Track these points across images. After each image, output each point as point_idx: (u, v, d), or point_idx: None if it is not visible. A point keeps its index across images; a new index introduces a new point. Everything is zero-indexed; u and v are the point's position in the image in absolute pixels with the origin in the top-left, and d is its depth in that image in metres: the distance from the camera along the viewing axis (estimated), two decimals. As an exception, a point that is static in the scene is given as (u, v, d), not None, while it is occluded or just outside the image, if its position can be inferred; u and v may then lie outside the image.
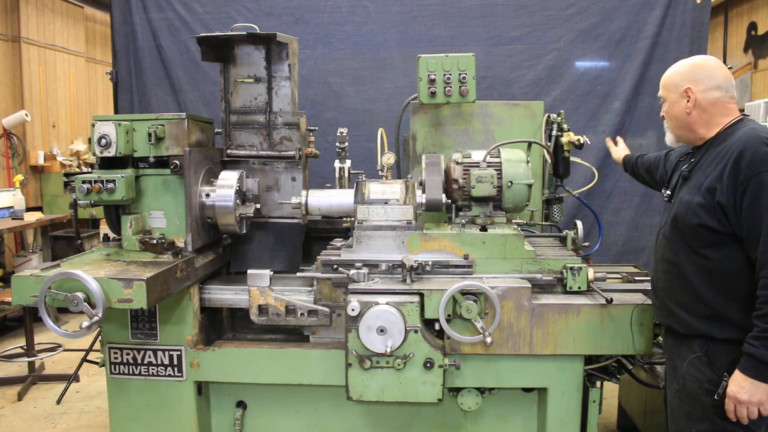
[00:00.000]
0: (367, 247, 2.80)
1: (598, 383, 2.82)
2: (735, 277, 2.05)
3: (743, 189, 1.97)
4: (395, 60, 4.52)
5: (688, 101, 2.19)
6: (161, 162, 2.89)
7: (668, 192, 2.35)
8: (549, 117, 3.38)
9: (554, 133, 3.35)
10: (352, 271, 2.68)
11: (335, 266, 2.78)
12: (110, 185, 2.76)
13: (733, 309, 2.05)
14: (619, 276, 3.10)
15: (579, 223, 3.06)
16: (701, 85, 2.17)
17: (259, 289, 2.87)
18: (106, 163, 2.86)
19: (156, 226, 2.94)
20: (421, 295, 2.58)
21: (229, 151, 3.29)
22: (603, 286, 2.81)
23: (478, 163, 2.95)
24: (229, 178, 3.02)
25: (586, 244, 3.12)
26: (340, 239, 3.18)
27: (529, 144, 3.26)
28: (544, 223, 3.49)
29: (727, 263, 2.05)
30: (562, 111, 3.42)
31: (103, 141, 2.76)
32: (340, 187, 3.31)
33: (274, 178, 3.35)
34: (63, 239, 7.25)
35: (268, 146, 3.31)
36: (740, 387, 1.97)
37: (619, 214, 4.54)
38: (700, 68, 2.20)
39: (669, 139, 2.37)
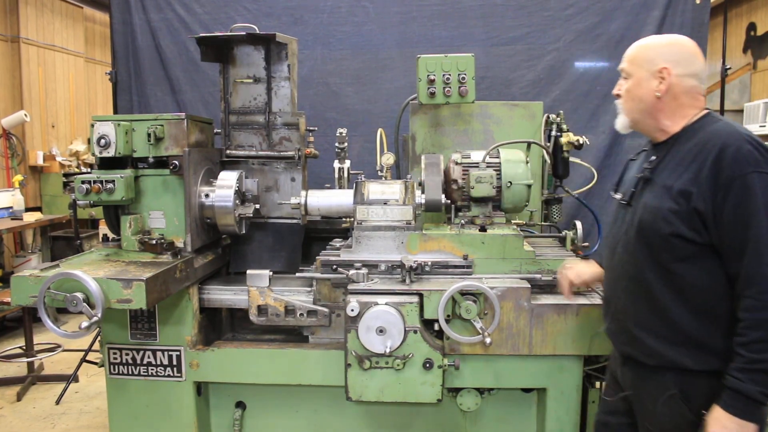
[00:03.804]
0: (367, 248, 2.80)
1: (598, 383, 2.83)
2: (713, 296, 1.78)
3: (724, 192, 1.71)
4: (395, 60, 4.51)
5: (660, 83, 1.89)
6: (160, 162, 2.89)
7: (619, 196, 2.09)
8: (548, 117, 3.38)
9: (554, 133, 3.35)
10: (352, 272, 2.67)
11: (334, 266, 2.78)
12: (109, 185, 2.76)
13: (713, 334, 1.78)
14: (619, 276, 3.10)
15: (578, 224, 3.06)
16: (680, 68, 1.87)
17: (259, 290, 2.87)
18: (106, 164, 2.86)
19: (155, 227, 2.94)
20: (421, 296, 2.58)
21: (228, 151, 3.29)
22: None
23: (477, 163, 2.95)
24: (228, 179, 3.02)
25: (586, 244, 3.12)
26: (340, 239, 3.18)
27: (529, 144, 3.26)
28: (543, 223, 3.49)
29: (703, 280, 1.78)
30: (561, 111, 3.41)
31: (103, 141, 2.76)
32: (340, 188, 3.31)
33: (273, 179, 3.35)
34: (62, 239, 7.25)
35: (267, 146, 3.31)
36: (724, 428, 1.69)
37: (618, 214, 4.53)
38: (681, 48, 1.91)
39: (621, 123, 2.05)
